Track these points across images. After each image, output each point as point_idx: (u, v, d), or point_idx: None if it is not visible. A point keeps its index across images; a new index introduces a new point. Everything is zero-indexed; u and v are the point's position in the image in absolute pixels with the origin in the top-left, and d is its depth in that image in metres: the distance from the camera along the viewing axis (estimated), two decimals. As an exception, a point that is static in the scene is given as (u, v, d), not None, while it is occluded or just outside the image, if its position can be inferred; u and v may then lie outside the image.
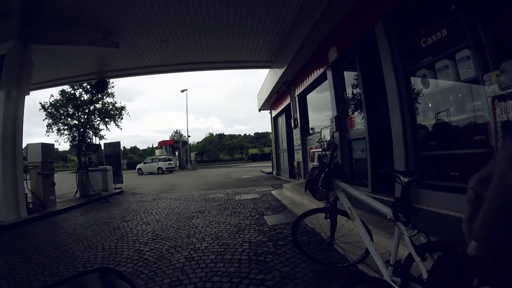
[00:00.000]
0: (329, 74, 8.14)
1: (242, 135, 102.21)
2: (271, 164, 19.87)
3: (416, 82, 5.18)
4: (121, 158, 16.56)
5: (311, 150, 10.47)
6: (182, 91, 41.54)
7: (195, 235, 5.27)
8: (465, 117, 4.30)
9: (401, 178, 2.24)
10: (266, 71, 13.81)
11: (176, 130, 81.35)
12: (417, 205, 4.58)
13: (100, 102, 40.00)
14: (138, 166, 33.86)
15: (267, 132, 68.75)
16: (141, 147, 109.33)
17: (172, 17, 7.77)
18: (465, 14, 3.96)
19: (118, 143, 16.52)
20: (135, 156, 77.60)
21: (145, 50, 9.88)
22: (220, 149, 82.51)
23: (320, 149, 9.01)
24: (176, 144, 45.27)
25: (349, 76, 7.76)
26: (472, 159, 4.10)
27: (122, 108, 41.77)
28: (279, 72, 11.14)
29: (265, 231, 5.22)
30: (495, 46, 3.66)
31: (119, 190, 13.59)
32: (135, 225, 6.33)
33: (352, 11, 6.30)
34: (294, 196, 8.12)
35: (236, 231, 5.36)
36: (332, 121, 7.98)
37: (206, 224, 5.97)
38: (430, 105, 5.04)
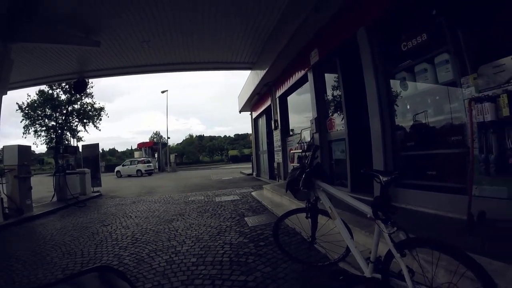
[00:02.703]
0: (310, 76, 8.20)
1: (222, 136, 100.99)
2: (251, 166, 19.79)
3: (395, 84, 5.29)
4: (99, 160, 16.04)
5: (291, 151, 10.51)
6: (163, 92, 40.88)
7: (176, 238, 5.18)
8: (442, 118, 4.43)
9: (381, 177, 2.27)
10: (247, 73, 13.76)
11: (156, 132, 79.88)
12: (395, 203, 4.58)
13: (78, 103, 38.81)
14: (117, 168, 32.92)
15: (247, 133, 68.63)
16: (120, 149, 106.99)
17: (156, 18, 7.60)
18: (446, 19, 4.08)
19: (96, 145, 16.01)
20: (113, 158, 75.50)
21: (126, 50, 9.63)
22: (200, 150, 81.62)
23: (300, 150, 9.05)
24: (155, 146, 44.33)
25: (330, 78, 7.85)
26: (449, 158, 4.24)
27: (101, 109, 40.45)
28: (260, 73, 11.14)
29: (246, 233, 5.18)
30: (473, 50, 3.78)
31: (97, 194, 13.17)
32: (114, 229, 6.16)
33: (335, 16, 6.35)
34: (274, 197, 8.11)
35: (217, 233, 5.29)
36: (312, 123, 8.04)
37: (187, 227, 5.86)
38: (408, 107, 5.15)
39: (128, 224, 6.60)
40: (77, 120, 39.18)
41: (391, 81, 5.35)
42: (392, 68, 5.26)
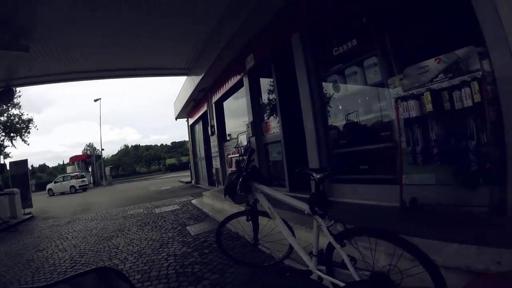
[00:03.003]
0: (245, 81, 8.20)
1: (159, 145, 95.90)
2: (189, 173, 19.29)
3: (328, 87, 5.51)
4: (29, 178, 14.14)
5: (229, 156, 10.43)
6: (96, 100, 38.25)
7: (117, 256, 4.80)
8: (372, 116, 4.71)
9: (314, 175, 2.34)
10: (183, 79, 13.36)
11: (89, 143, 74.16)
12: (333, 198, 4.84)
13: (5, 115, 34.86)
14: (49, 186, 29.91)
15: (184, 140, 66.40)
16: (51, 164, 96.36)
17: (89, 20, 7.04)
18: (375, 26, 4.37)
19: (25, 162, 14.15)
20: (44, 175, 67.56)
21: (57, 55, 8.81)
22: (137, 161, 77.79)
23: (238, 155, 9.03)
24: (89, 159, 40.76)
25: (265, 83, 7.92)
26: (379, 153, 4.50)
27: (29, 120, 36.44)
28: (196, 79, 10.92)
29: (189, 242, 4.98)
30: (399, 54, 4.11)
31: (29, 216, 11.69)
32: (50, 254, 5.52)
33: (270, 22, 6.42)
34: (215, 203, 7.93)
35: (160, 245, 5.02)
36: (248, 127, 8.04)
37: (128, 243, 5.48)
38: (340, 107, 5.38)
39: (65, 246, 5.98)
40: (3, 134, 35.28)
41: (324, 83, 5.56)
42: (324, 72, 5.48)
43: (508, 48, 2.83)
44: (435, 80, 3.38)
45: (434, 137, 3.38)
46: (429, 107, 3.31)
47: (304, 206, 2.35)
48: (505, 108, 2.92)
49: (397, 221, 3.41)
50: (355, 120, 4.97)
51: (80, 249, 5.57)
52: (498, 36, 2.90)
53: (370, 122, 4.75)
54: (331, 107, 5.53)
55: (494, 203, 2.84)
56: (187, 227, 6.06)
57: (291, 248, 3.00)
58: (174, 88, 35.31)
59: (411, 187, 3.74)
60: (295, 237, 2.81)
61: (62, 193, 27.75)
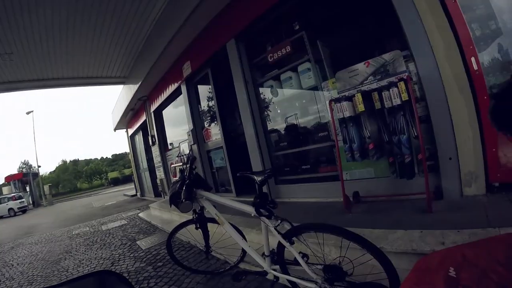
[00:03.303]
0: (183, 88, 7.95)
1: (99, 158, 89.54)
2: (134, 186, 18.39)
3: (265, 92, 5.54)
4: None
5: (172, 166, 10.14)
6: (28, 113, 34.93)
7: (68, 279, 4.49)
8: (310, 118, 4.87)
9: (255, 177, 2.36)
10: (120, 88, 12.74)
11: (24, 161, 68.39)
12: (280, 199, 4.92)
13: None
14: None
15: (126, 152, 63.53)
16: None
17: (19, 24, 6.44)
18: (307, 33, 4.49)
19: None
20: None
21: None
22: (77, 177, 73.28)
23: (181, 163, 8.82)
24: (25, 178, 36.98)
25: (204, 90, 7.78)
26: (318, 152, 4.69)
27: None
28: (134, 88, 10.40)
29: (141, 257, 4.73)
30: (331, 59, 4.29)
31: None
32: None
33: (206, 28, 6.29)
34: (163, 215, 7.64)
35: (111, 263, 4.72)
36: (189, 135, 7.83)
37: (77, 264, 5.07)
38: (279, 111, 5.48)
39: (11, 274, 5.41)
40: None
41: (261, 89, 5.58)
42: (260, 77, 5.49)
43: (430, 50, 3.06)
44: (365, 82, 3.53)
45: (369, 134, 3.50)
46: (361, 107, 3.42)
47: (250, 209, 2.33)
48: (431, 104, 3.17)
49: (343, 215, 3.51)
50: (295, 123, 5.08)
51: (28, 276, 5.09)
52: (421, 40, 3.12)
53: (308, 124, 4.88)
54: (270, 111, 5.59)
55: (431, 189, 3.00)
56: (137, 242, 5.76)
57: (244, 251, 3.01)
58: (112, 98, 33.65)
59: (352, 182, 3.92)
60: (246, 240, 2.81)
61: (1, 217, 25.04)
